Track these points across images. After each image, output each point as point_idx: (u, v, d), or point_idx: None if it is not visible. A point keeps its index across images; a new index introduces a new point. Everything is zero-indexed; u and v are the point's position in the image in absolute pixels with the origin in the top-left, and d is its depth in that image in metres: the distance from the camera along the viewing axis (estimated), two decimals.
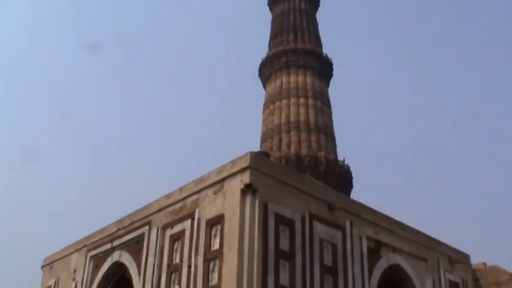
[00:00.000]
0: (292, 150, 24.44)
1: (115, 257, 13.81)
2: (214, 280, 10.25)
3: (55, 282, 15.88)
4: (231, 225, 10.34)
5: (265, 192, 10.68)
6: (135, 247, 13.09)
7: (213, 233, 10.76)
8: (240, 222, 10.18)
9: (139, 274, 12.47)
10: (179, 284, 11.09)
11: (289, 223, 10.88)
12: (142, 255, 12.61)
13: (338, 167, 25.07)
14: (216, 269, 10.30)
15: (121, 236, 13.76)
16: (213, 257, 10.48)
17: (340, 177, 24.89)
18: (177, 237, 11.71)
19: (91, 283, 14.35)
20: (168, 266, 11.63)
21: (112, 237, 14.16)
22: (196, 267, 10.77)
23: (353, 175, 26.27)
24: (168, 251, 11.79)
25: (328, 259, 11.41)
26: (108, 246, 14.17)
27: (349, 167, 25.93)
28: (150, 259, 12.23)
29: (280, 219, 10.71)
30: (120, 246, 13.68)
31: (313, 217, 11.46)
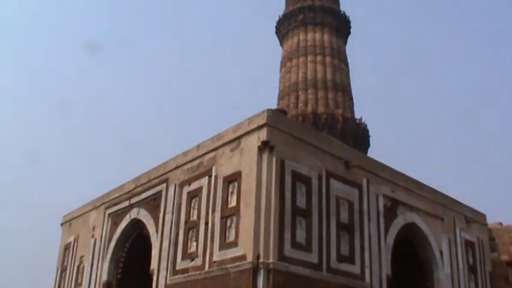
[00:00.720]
0: (309, 108, 24.32)
1: (133, 214, 14.15)
2: (231, 236, 10.49)
3: (74, 239, 16.45)
4: (248, 183, 10.46)
5: (282, 149, 10.73)
6: (152, 204, 13.38)
7: (230, 190, 10.92)
8: (257, 180, 10.29)
9: (157, 231, 12.80)
10: (196, 240, 11.38)
11: (306, 180, 10.98)
12: (160, 212, 12.89)
13: (355, 125, 24.95)
14: (233, 225, 10.50)
15: (139, 194, 14.06)
16: (230, 214, 10.67)
17: (357, 136, 24.79)
18: (194, 194, 11.91)
19: (109, 240, 14.84)
20: (186, 222, 11.89)
21: (130, 195, 14.46)
22: (213, 224, 11.00)
23: (370, 134, 26.14)
24: (186, 208, 12.04)
25: (344, 217, 11.54)
26: (126, 203, 14.53)
27: (366, 126, 25.77)
28: (168, 216, 12.51)
29: (297, 177, 10.80)
30: (138, 204, 14.00)
31: (330, 175, 11.53)
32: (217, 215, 10.96)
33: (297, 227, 10.42)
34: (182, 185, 12.36)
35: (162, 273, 11.91)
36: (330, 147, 11.81)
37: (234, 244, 10.24)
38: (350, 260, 11.27)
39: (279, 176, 10.41)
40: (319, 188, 11.17)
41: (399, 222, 13.04)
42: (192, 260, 11.21)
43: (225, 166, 11.22)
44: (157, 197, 13.20)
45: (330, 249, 10.88)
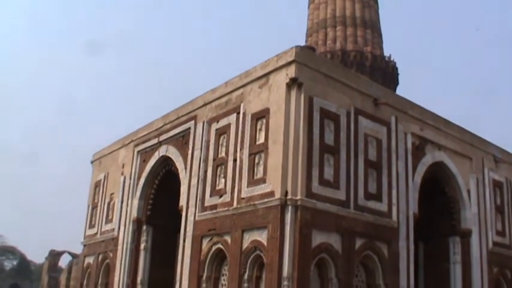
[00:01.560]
0: (338, 45, 23.87)
1: (162, 151, 14.44)
2: (259, 173, 10.66)
3: (104, 176, 16.88)
4: (276, 119, 10.50)
5: (311, 86, 10.64)
6: (181, 141, 13.61)
7: (258, 127, 10.99)
8: (285, 116, 10.31)
9: (185, 168, 13.09)
10: (225, 177, 11.61)
11: (334, 118, 10.94)
12: (188, 149, 13.12)
13: (384, 63, 24.49)
14: (261, 162, 10.66)
15: (167, 131, 14.27)
16: (258, 151, 10.80)
17: (386, 74, 24.39)
18: (223, 131, 12.04)
19: (139, 177, 15.22)
20: (214, 159, 12.10)
21: (158, 132, 14.68)
22: (241, 160, 11.17)
23: (398, 72, 25.63)
24: (214, 145, 12.22)
25: (372, 154, 11.55)
26: (155, 141, 14.77)
27: (395, 63, 25.26)
28: (196, 153, 12.74)
29: (325, 114, 10.77)
30: (167, 141, 14.23)
31: (358, 112, 11.45)
32: (246, 151, 11.09)
33: (324, 164, 10.50)
34: (210, 122, 12.48)
35: (191, 209, 12.27)
36: (358, 85, 11.65)
37: (262, 181, 10.41)
38: (377, 197, 11.37)
39: (307, 113, 10.40)
40: (348, 125, 11.14)
41: (427, 160, 13.03)
42: (221, 196, 11.50)
43: (253, 103, 11.23)
44: (185, 134, 13.39)
45: (357, 186, 10.98)
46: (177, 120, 13.85)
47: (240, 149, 11.29)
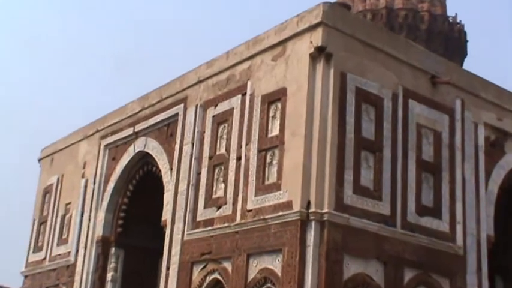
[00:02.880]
0: (382, 1, 23.93)
1: (139, 145, 14.71)
2: (271, 176, 10.89)
3: (58, 179, 17.11)
4: (296, 104, 10.72)
5: (344, 58, 10.86)
6: (165, 133, 13.89)
7: (271, 114, 11.24)
8: (308, 100, 10.53)
9: (171, 168, 13.36)
10: (225, 181, 11.86)
11: (376, 102, 11.17)
12: (175, 143, 13.39)
13: (447, 26, 24.47)
14: (275, 161, 10.90)
15: (146, 118, 14.51)
16: (270, 146, 11.05)
17: (450, 41, 24.36)
18: (223, 119, 12.30)
19: (107, 181, 15.52)
20: (211, 157, 12.35)
21: (134, 120, 14.94)
22: (248, 159, 11.41)
23: (467, 39, 25.63)
24: (210, 137, 12.46)
25: (428, 153, 11.76)
26: (129, 131, 15.04)
27: (462, 27, 25.21)
28: (186, 148, 13.01)
29: (363, 97, 10.99)
30: (146, 132, 14.51)
31: (409, 94, 11.67)
32: (254, 147, 11.37)
33: (361, 165, 10.76)
34: (206, 106, 12.75)
35: (178, 225, 12.60)
36: (409, 56, 11.87)
37: (276, 187, 10.69)
38: (435, 212, 11.59)
39: (338, 95, 10.64)
40: (394, 112, 11.39)
41: (507, 163, 13.10)
42: (219, 208, 11.79)
43: (265, 81, 11.50)
44: (171, 122, 13.70)
45: (406, 196, 11.23)
46: (160, 104, 14.11)
47: (246, 144, 11.53)
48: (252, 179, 11.19)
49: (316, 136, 10.41)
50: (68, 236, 16.18)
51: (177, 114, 13.55)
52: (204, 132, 12.68)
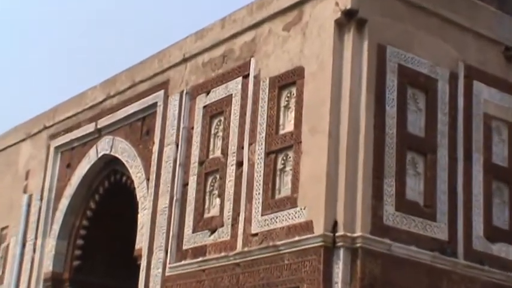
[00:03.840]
0: None
1: (102, 147, 14.85)
2: (284, 188, 10.95)
3: None
4: (317, 88, 10.73)
5: (382, 26, 10.87)
6: (139, 130, 14.06)
7: (283, 103, 11.32)
8: (333, 83, 10.54)
9: (147, 178, 13.46)
10: (221, 194, 11.91)
11: (427, 85, 11.18)
12: (153, 144, 13.53)
13: None
14: (289, 168, 10.94)
15: (113, 110, 14.67)
16: (283, 147, 11.10)
17: None
18: (217, 111, 12.42)
19: (59, 196, 15.66)
20: (201, 163, 12.46)
21: (97, 113, 15.09)
22: (252, 164, 11.47)
23: None
24: (201, 136, 12.57)
25: (500, 154, 11.71)
26: (89, 128, 15.21)
27: None
28: (168, 151, 13.12)
29: (409, 78, 11.01)
30: (112, 129, 14.67)
31: (473, 74, 11.64)
32: (260, 148, 11.43)
33: (407, 172, 10.75)
34: (194, 93, 12.89)
35: (157, 256, 12.67)
36: (475, 21, 11.87)
37: (290, 202, 10.69)
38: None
39: (374, 77, 10.67)
40: (452, 99, 11.38)
41: None
42: (213, 231, 11.84)
43: (274, 58, 11.55)
44: (147, 116, 13.89)
45: (471, 215, 11.19)
46: (132, 90, 14.30)
47: (250, 144, 11.60)
48: (258, 191, 11.23)
49: (344, 133, 10.40)
50: (3, 273, 16.31)
51: (155, 105, 13.65)
52: (192, 128, 12.75)
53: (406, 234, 10.51)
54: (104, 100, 14.93)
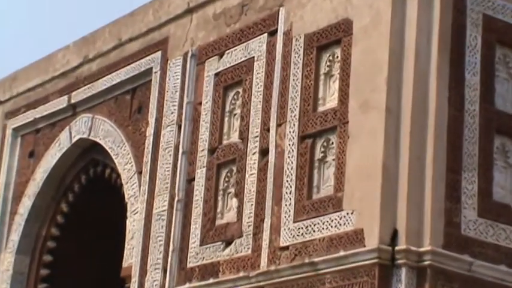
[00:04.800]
0: None
1: (78, 129, 15.03)
2: (325, 185, 11.05)
3: None
4: (370, 49, 10.76)
5: None
6: (127, 106, 14.24)
7: (322, 69, 11.40)
8: (392, 42, 10.56)
9: (139, 171, 13.59)
10: (239, 193, 12.03)
11: None
12: (146, 124, 13.69)
13: None
14: (331, 157, 11.04)
15: (92, 79, 14.85)
16: (323, 129, 11.18)
17: None
18: (234, 80, 12.55)
19: (18, 195, 15.85)
20: (212, 151, 12.62)
21: (70, 82, 15.31)
22: (280, 153, 11.56)
23: None
24: (212, 114, 12.70)
25: None
26: (60, 103, 15.43)
27: None
28: (167, 135, 13.26)
29: (496, 34, 11.01)
30: (91, 104, 14.89)
31: None
32: (292, 131, 11.49)
33: (495, 163, 10.77)
34: (203, 55, 12.98)
35: (152, 277, 12.78)
36: None
37: (333, 205, 10.75)
38: None
39: (449, 31, 10.67)
40: None
41: None
42: (229, 243, 11.94)
43: (311, 8, 11.58)
44: (139, 86, 14.08)
45: None
46: (118, 52, 14.42)
47: (278, 125, 11.70)
48: (289, 190, 11.31)
49: (407, 110, 10.42)
50: None
51: (149, 72, 13.77)
52: (200, 104, 12.87)
53: (493, 249, 10.50)
54: (80, 65, 15.00)
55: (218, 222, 12.24)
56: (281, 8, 11.97)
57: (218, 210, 12.32)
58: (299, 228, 11.04)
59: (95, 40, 14.92)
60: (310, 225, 10.92)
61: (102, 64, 14.70)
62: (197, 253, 12.31)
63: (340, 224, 10.58)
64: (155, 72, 13.63)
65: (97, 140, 14.59)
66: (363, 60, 10.84)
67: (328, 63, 11.36)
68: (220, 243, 12.04)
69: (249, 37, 12.36)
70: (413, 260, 10.06)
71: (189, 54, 13.09)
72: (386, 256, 10.08)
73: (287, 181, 11.37)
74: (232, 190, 12.22)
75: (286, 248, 11.13)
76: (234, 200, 12.11)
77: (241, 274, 11.54)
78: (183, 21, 13.33)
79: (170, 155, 13.08)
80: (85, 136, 14.84)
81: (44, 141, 15.60)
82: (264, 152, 11.82)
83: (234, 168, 12.22)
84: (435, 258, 10.06)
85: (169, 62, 13.41)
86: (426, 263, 10.06)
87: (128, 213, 13.59)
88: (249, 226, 11.69)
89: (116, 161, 14.12)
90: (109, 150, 14.29)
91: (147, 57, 13.81)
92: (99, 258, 14.81)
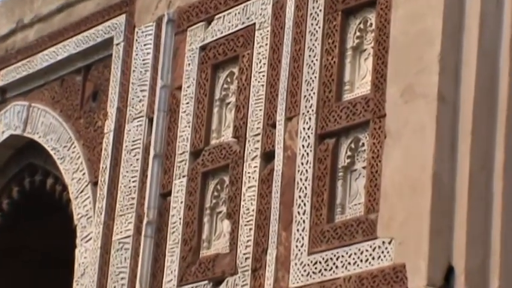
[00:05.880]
0: None
1: (8, 122, 15.21)
2: (352, 203, 11.15)
3: None
4: (416, 14, 10.81)
5: None
6: (77, 90, 14.38)
7: (349, 42, 11.50)
8: (446, 3, 10.62)
9: (94, 182, 13.71)
10: (232, 212, 12.11)
11: None
12: (105, 116, 13.85)
13: None
14: (360, 164, 11.17)
15: (27, 54, 14.99)
16: (349, 125, 11.29)
17: None
18: (226, 56, 12.66)
19: None
20: (196, 154, 12.70)
21: None
22: (290, 157, 11.67)
23: None
24: (195, 103, 12.83)
25: None
26: None
27: None
28: (135, 131, 13.38)
29: None
30: (26, 88, 15.09)
31: None
32: (306, 126, 11.59)
33: None
34: (183, 21, 13.11)
35: None
36: None
37: (363, 230, 10.83)
38: None
39: None
40: None
41: None
42: (219, 283, 12.04)
43: None
44: (95, 64, 14.21)
45: None
46: (65, 15, 14.47)
47: (288, 119, 11.82)
48: (303, 208, 11.41)
49: (469, 98, 10.47)
50: None
51: (108, 43, 13.93)
52: (180, 88, 13.02)
53: None
54: (11, 33, 15.08)
55: (204, 253, 12.35)
56: None
57: (204, 236, 12.42)
58: (316, 263, 11.11)
59: (33, 6, 14.94)
60: (332, 259, 10.98)
61: (42, 32, 14.76)
62: None
63: (373, 258, 10.64)
64: (117, 44, 13.74)
65: (35, 137, 14.69)
66: (407, 29, 10.92)
67: (358, 34, 11.48)
68: (206, 282, 12.14)
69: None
70: None
71: (165, 19, 13.19)
72: None
73: (299, 197, 11.46)
74: (223, 209, 12.35)
75: None
76: (226, 222, 12.21)
77: None
78: None
79: (137, 160, 13.23)
80: (18, 132, 14.98)
81: None
82: (267, 157, 11.94)
83: (226, 179, 12.33)
84: None
85: (136, 29, 13.52)
86: None
87: (78, 241, 13.66)
88: (246, 259, 11.77)
89: (61, 167, 14.20)
90: (52, 152, 14.39)
91: (106, 23, 13.91)
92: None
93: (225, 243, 12.11)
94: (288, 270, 11.30)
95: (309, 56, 11.67)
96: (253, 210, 11.83)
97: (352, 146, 11.22)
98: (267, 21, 12.17)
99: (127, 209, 13.02)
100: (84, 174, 13.74)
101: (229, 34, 12.57)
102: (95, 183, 13.54)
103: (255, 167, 11.95)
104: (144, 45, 13.35)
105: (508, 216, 10.24)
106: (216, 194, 12.40)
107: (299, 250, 11.25)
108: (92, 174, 13.65)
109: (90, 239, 13.35)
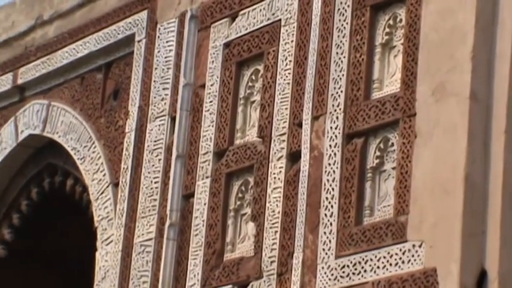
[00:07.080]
0: None
1: (27, 122, 15.20)
2: (381, 205, 11.09)
3: None
4: (448, 9, 10.74)
5: None
6: (97, 88, 14.38)
7: (378, 38, 11.45)
8: None
9: (115, 183, 13.73)
10: (257, 215, 12.08)
11: None
12: (126, 115, 13.83)
13: None
14: (390, 165, 11.10)
15: (47, 51, 15.00)
16: (378, 125, 11.23)
17: None
18: (251, 53, 12.62)
19: None
20: (220, 154, 12.69)
21: (14, 56, 15.52)
22: (317, 157, 11.62)
23: None
24: (219, 102, 12.78)
25: None
26: (2, 84, 15.60)
27: None
28: (157, 131, 13.37)
29: None
30: (46, 86, 15.08)
31: None
32: (334, 126, 11.54)
33: None
34: (207, 17, 13.08)
35: None
36: None
37: (392, 233, 10.75)
38: None
39: None
40: None
41: None
42: (244, 287, 12.03)
43: None
44: (115, 62, 14.21)
45: None
46: (85, 12, 14.46)
47: (315, 118, 11.76)
48: (330, 211, 11.37)
49: (502, 97, 10.36)
50: None
51: (130, 40, 13.91)
52: (204, 86, 12.98)
53: None
54: (31, 30, 15.01)
55: (228, 256, 12.30)
56: None
57: (228, 239, 12.37)
58: (343, 267, 11.06)
59: (52, 3, 14.90)
60: (360, 263, 10.93)
61: (62, 28, 14.71)
62: None
63: (403, 262, 10.58)
64: (138, 41, 13.71)
65: (54, 137, 14.65)
66: (438, 25, 10.85)
67: (387, 30, 11.42)
68: (230, 287, 12.09)
69: None
70: None
71: (188, 16, 13.13)
72: None
73: (327, 198, 11.42)
74: (247, 211, 12.30)
75: None
76: (251, 224, 12.17)
77: None
78: None
79: (160, 160, 13.18)
80: (37, 132, 14.92)
81: None
82: (293, 157, 11.89)
83: (251, 180, 12.29)
84: None
85: (158, 26, 13.47)
86: None
87: (98, 243, 13.61)
88: (271, 263, 11.73)
89: (81, 167, 14.17)
90: (72, 153, 14.36)
91: (128, 20, 13.89)
92: None
93: (249, 246, 12.06)
94: (314, 274, 11.24)
95: (337, 53, 11.62)
96: (278, 212, 11.79)
97: (381, 146, 11.15)
98: (293, 17, 12.15)
99: (149, 210, 12.98)
100: (104, 175, 13.71)
101: (254, 30, 12.55)
102: (115, 184, 13.51)
103: (280, 167, 11.91)
104: (167, 42, 13.32)
105: None
106: (240, 195, 12.35)
107: (326, 253, 11.20)
108: (113, 175, 13.62)
109: (111, 241, 13.31)
